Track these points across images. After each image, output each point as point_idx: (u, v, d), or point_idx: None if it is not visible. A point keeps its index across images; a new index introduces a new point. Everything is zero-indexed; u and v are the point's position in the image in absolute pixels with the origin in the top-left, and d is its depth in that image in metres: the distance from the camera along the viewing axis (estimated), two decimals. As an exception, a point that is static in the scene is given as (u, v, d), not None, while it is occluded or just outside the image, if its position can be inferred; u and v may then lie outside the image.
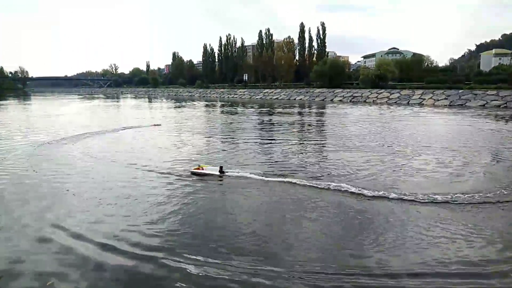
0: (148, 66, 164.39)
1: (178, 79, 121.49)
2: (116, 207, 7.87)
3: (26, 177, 10.39)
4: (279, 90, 72.52)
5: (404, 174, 10.44)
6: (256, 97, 68.51)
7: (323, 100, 56.44)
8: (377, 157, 12.75)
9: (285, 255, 5.64)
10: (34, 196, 8.64)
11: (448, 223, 6.77)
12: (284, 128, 22.60)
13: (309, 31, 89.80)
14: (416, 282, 4.85)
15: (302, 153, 14.13)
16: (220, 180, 9.95)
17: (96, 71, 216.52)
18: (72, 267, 5.28)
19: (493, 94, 40.15)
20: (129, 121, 26.95)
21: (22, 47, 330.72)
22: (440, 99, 43.20)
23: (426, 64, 78.55)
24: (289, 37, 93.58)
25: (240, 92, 78.09)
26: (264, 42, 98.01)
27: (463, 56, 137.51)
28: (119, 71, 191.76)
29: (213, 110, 41.83)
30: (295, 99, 61.35)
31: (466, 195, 8.23)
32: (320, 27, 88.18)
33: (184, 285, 4.81)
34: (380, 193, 8.42)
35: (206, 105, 50.45)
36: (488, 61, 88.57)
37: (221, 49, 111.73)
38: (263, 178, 9.92)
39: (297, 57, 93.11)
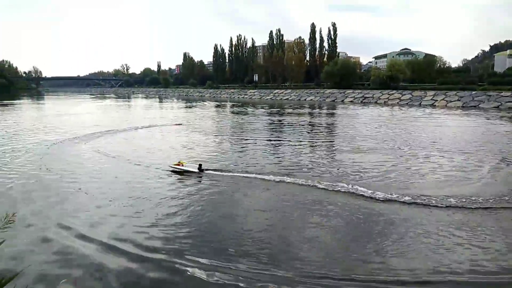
0: (159, 66, 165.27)
1: (188, 80, 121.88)
2: (126, 206, 7.95)
3: (39, 176, 10.56)
4: (289, 90, 72.26)
5: (417, 177, 10.30)
6: (266, 98, 68.42)
7: (333, 101, 56.08)
8: (388, 159, 12.62)
9: (289, 258, 5.57)
10: (46, 194, 8.78)
11: (462, 228, 6.63)
12: (295, 129, 22.49)
13: (320, 31, 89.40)
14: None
15: (312, 154, 14.05)
16: (231, 181, 9.94)
17: (107, 71, 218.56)
18: (81, 266, 5.31)
19: (507, 96, 39.31)
20: (141, 121, 27.15)
21: (36, 47, 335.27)
22: (453, 101, 42.56)
23: (438, 65, 77.36)
24: (300, 37, 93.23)
25: (250, 92, 78.04)
26: (274, 42, 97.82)
27: (476, 57, 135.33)
28: (131, 71, 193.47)
29: (223, 111, 41.90)
30: (305, 99, 61.09)
31: (480, 199, 8.07)
32: (331, 28, 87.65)
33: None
34: (392, 196, 8.32)
35: (217, 106, 50.57)
36: (502, 62, 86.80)
37: (232, 49, 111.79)
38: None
39: (307, 58, 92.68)
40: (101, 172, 11.11)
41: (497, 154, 13.43)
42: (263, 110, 40.04)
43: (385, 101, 49.30)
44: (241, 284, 4.84)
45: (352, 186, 9.08)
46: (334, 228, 6.80)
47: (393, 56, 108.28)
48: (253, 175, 10.40)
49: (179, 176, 10.39)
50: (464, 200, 8.02)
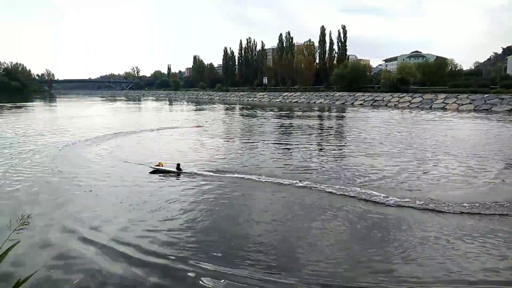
0: (169, 69, 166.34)
1: (198, 82, 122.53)
2: (136, 209, 7.98)
3: (51, 177, 10.68)
4: (298, 93, 72.14)
5: (429, 181, 10.14)
6: (275, 101, 68.39)
7: (343, 103, 55.81)
8: (399, 163, 12.46)
9: (296, 265, 5.51)
10: (58, 196, 8.88)
11: (475, 235, 6.47)
12: (304, 132, 22.40)
13: (330, 34, 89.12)
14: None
15: (321, 157, 13.97)
16: (240, 186, 9.92)
17: (118, 74, 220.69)
18: (87, 270, 5.33)
19: (521, 99, 38.76)
20: (152, 124, 27.30)
21: (49, 50, 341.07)
22: (464, 104, 42.01)
23: (450, 67, 76.55)
24: (309, 40, 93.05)
25: (260, 95, 78.12)
26: (284, 45, 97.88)
27: (489, 59, 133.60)
28: (141, 74, 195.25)
29: (232, 113, 41.94)
30: (315, 102, 60.94)
31: (495, 204, 7.91)
32: (341, 30, 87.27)
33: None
34: (403, 200, 8.20)
35: (226, 108, 50.69)
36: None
37: (241, 52, 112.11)
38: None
39: (317, 60, 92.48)
40: (113, 174, 11.22)
41: (511, 159, 13.22)
42: (273, 112, 40.02)
43: (395, 104, 48.93)
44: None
45: (361, 189, 9.00)
46: (341, 234, 6.71)
47: (403, 59, 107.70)
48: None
49: (194, 179, 10.42)
50: (477, 205, 7.87)
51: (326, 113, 41.06)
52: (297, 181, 9.88)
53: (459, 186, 9.72)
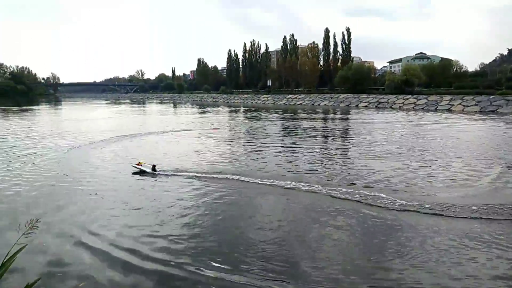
0: (173, 72, 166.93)
1: (203, 85, 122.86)
2: (141, 211, 7.99)
3: (56, 180, 10.71)
4: (302, 95, 72.12)
5: (435, 184, 10.04)
6: (280, 103, 68.40)
7: (347, 105, 55.73)
8: (405, 166, 12.36)
9: (301, 267, 5.47)
10: (64, 199, 8.91)
11: (483, 239, 6.36)
12: (309, 134, 22.34)
13: (334, 36, 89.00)
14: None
15: (328, 160, 13.89)
16: (245, 188, 9.92)
17: (123, 77, 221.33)
18: (94, 272, 5.34)
19: (527, 100, 38.51)
20: (158, 127, 27.39)
21: (55, 54, 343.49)
22: (470, 105, 41.80)
23: (455, 69, 76.20)
24: (313, 42, 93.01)
25: (264, 97, 78.18)
26: (288, 47, 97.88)
27: (494, 60, 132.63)
28: (145, 77, 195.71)
29: (236, 116, 41.97)
30: (319, 104, 60.89)
31: (503, 208, 7.80)
32: (345, 32, 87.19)
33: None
34: (410, 204, 8.11)
35: (231, 111, 50.75)
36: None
37: (245, 55, 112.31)
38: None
39: (321, 63, 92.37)
40: (118, 176, 11.25)
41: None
42: (277, 115, 40.02)
43: (400, 106, 48.78)
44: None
45: (368, 193, 8.95)
46: (345, 238, 6.63)
47: (408, 61, 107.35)
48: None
49: (201, 181, 10.44)
50: (485, 208, 7.77)
51: (331, 115, 41.01)
52: (303, 183, 9.86)
53: (466, 189, 9.60)
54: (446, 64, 75.96)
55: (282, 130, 25.08)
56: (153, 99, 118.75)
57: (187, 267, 5.47)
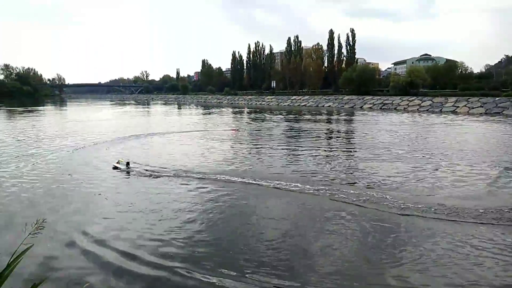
0: (178, 73, 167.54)
1: (207, 86, 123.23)
2: (145, 212, 7.99)
3: (61, 181, 10.74)
4: (307, 97, 72.01)
5: (442, 187, 9.90)
6: (284, 104, 68.33)
7: (352, 107, 55.55)
8: (410, 168, 12.22)
9: (299, 271, 5.42)
10: (67, 200, 8.94)
11: (490, 243, 6.26)
12: (313, 135, 22.29)
13: (339, 37, 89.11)
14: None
15: (332, 161, 13.83)
16: (244, 190, 9.91)
17: (127, 78, 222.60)
18: (99, 274, 5.35)
19: (533, 102, 38.19)
20: (161, 127, 27.46)
21: (60, 55, 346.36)
22: (475, 107, 41.52)
23: (460, 70, 75.88)
24: (318, 43, 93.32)
25: (268, 99, 78.13)
26: (292, 49, 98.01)
27: (500, 62, 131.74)
28: (150, 78, 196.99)
29: (240, 117, 41.99)
30: (323, 106, 60.77)
31: (510, 212, 7.68)
32: (350, 34, 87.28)
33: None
34: (415, 207, 8.00)
35: (235, 112, 50.79)
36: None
37: (250, 56, 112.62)
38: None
39: (325, 64, 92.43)
40: (122, 177, 11.28)
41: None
42: (282, 116, 39.99)
43: (404, 108, 48.59)
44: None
45: (372, 194, 8.90)
46: (346, 242, 6.55)
47: (412, 62, 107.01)
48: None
49: (204, 183, 10.45)
50: (492, 211, 7.68)
51: (335, 117, 40.91)
52: (307, 186, 9.82)
53: (474, 192, 9.49)
54: (451, 65, 75.75)
55: (287, 131, 25.04)
56: (158, 100, 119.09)
57: (194, 274, 5.37)
